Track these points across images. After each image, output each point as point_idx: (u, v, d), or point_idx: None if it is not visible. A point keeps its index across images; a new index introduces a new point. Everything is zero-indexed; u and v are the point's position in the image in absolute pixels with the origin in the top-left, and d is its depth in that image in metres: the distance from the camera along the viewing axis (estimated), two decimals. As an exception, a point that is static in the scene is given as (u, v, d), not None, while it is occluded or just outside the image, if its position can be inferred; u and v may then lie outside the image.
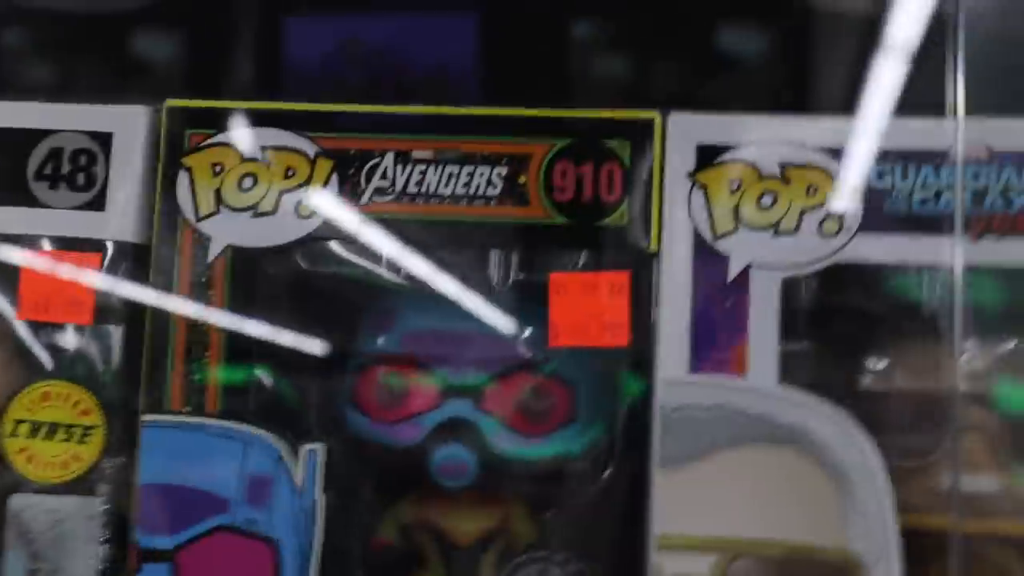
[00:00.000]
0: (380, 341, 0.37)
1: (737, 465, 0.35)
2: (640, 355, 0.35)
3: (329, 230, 0.36)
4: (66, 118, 0.37)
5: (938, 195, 0.34)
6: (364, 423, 0.37)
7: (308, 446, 0.35)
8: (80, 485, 0.35)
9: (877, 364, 0.36)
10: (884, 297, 0.37)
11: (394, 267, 0.38)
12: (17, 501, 0.36)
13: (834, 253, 0.35)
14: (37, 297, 0.35)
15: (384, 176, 0.36)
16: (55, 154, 0.36)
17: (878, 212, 0.35)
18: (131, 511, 0.35)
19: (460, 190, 0.35)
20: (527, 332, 0.37)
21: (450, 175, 0.36)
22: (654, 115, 0.35)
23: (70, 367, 0.36)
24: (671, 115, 0.36)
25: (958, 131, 0.34)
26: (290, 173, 0.36)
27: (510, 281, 0.37)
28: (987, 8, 0.35)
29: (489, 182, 0.36)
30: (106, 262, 0.36)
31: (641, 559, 0.34)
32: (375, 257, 0.38)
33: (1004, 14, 0.37)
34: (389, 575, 0.37)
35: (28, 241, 0.36)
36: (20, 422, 0.36)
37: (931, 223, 0.34)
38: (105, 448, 0.36)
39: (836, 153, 0.36)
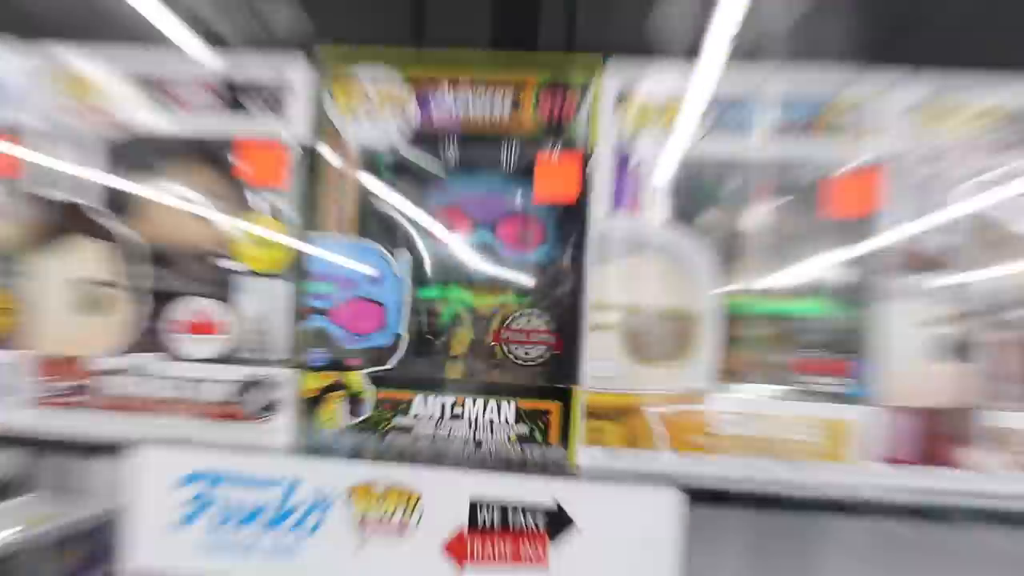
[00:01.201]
0: (439, 199, 0.66)
1: (634, 264, 0.64)
2: (583, 205, 0.63)
3: (413, 136, 0.64)
4: (262, 66, 0.65)
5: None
6: (429, 241, 0.66)
7: (400, 252, 0.65)
8: (278, 272, 0.65)
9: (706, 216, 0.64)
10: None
11: (453, 158, 0.66)
12: (244, 283, 0.65)
13: (690, 149, 0.63)
14: (257, 166, 0.63)
15: (445, 101, 0.64)
16: (258, 87, 0.64)
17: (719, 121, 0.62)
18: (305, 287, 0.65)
19: (485, 108, 0.63)
20: (522, 191, 0.65)
21: (480, 100, 0.63)
22: (597, 57, 0.62)
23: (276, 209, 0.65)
24: (608, 63, 0.63)
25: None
26: (391, 101, 0.64)
27: (515, 162, 0.65)
28: None
29: (502, 104, 0.63)
30: (288, 151, 0.64)
31: (582, 314, 0.63)
32: (439, 150, 0.66)
33: None
34: (441, 329, 0.67)
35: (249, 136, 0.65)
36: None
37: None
38: (291, 253, 0.65)
39: (700, 89, 0.63)
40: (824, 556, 0.65)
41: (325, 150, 0.64)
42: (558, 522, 0.60)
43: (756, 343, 0.63)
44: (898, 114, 0.61)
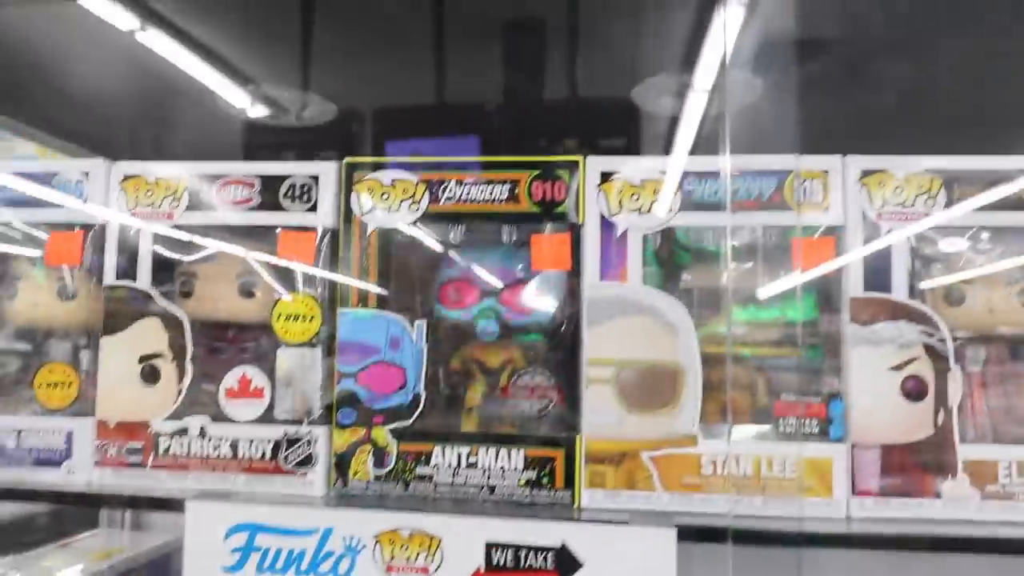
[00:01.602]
0: (450, 272, 0.75)
1: (623, 324, 0.72)
2: (576, 274, 0.72)
3: (424, 218, 0.74)
4: (298, 168, 0.75)
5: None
6: (443, 310, 0.74)
7: (418, 321, 0.73)
8: (311, 342, 0.74)
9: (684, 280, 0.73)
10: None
11: (455, 237, 0.75)
12: (282, 353, 0.74)
13: (666, 222, 0.71)
14: (290, 250, 0.73)
15: (451, 191, 0.73)
16: (292, 185, 0.75)
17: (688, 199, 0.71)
18: (335, 355, 0.74)
19: (486, 196, 0.73)
20: (521, 265, 0.74)
21: (481, 189, 0.73)
22: (579, 157, 0.72)
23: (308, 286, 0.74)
24: (589, 157, 0.73)
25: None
26: (404, 191, 0.74)
27: (513, 240, 0.74)
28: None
29: (500, 192, 0.73)
30: (319, 237, 0.74)
31: (578, 370, 0.71)
32: (448, 232, 0.75)
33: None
34: (457, 386, 0.75)
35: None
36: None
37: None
38: (321, 323, 0.74)
39: (672, 174, 0.72)
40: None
41: (350, 236, 0.74)
42: (567, 562, 0.66)
43: (739, 390, 0.70)
44: (846, 186, 0.70)
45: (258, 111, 0.98)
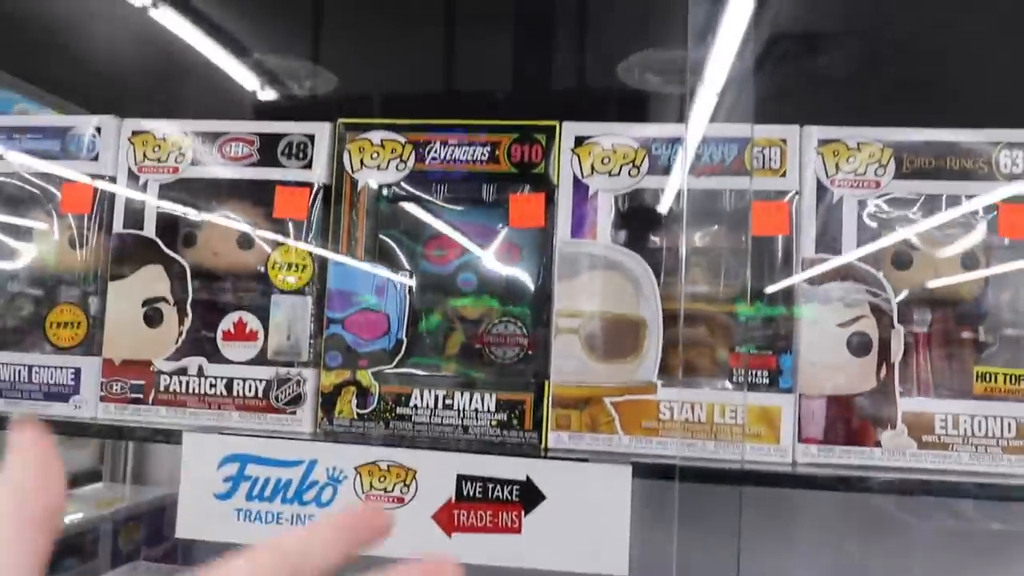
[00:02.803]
0: (433, 228, 0.80)
1: (591, 279, 0.77)
2: (549, 231, 0.77)
3: (410, 177, 0.79)
4: (294, 128, 0.81)
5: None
6: (426, 262, 0.80)
7: (402, 272, 0.79)
8: (303, 290, 0.79)
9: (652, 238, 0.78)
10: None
11: (439, 195, 0.81)
12: (275, 299, 0.80)
13: (635, 184, 0.76)
14: (286, 204, 0.79)
15: (435, 151, 0.79)
16: (290, 143, 0.80)
17: (655, 164, 0.76)
18: (325, 302, 0.79)
19: (468, 156, 0.78)
20: (500, 223, 0.79)
21: (464, 149, 0.78)
22: (555, 122, 0.77)
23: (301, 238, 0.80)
24: (564, 122, 0.78)
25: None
26: (393, 151, 0.79)
27: (492, 199, 0.80)
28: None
29: (482, 153, 0.78)
30: (312, 192, 0.80)
31: (549, 318, 0.77)
32: (432, 190, 0.81)
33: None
34: (437, 334, 0.80)
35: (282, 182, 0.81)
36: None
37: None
38: (313, 274, 0.79)
39: (640, 140, 0.77)
40: (753, 521, 0.75)
41: (342, 192, 0.80)
42: (530, 495, 0.72)
43: (696, 343, 0.75)
44: (802, 154, 0.75)
45: (263, 80, 1.04)
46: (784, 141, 0.76)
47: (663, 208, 0.78)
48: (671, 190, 0.76)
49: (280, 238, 0.80)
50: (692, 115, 0.75)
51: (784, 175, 0.76)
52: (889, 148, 0.75)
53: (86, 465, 1.44)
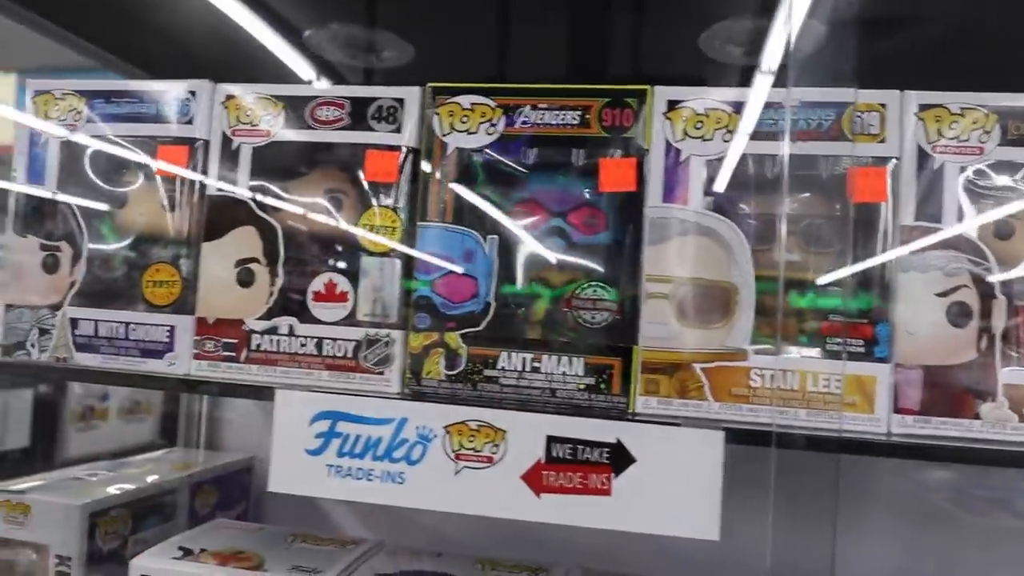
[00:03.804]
0: (521, 193, 0.81)
1: (681, 244, 0.77)
2: (639, 196, 0.77)
3: (502, 138, 0.79)
4: (385, 91, 0.82)
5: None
6: (516, 229, 0.80)
7: (490, 236, 0.79)
8: (392, 252, 0.80)
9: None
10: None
11: (528, 159, 0.81)
12: (365, 261, 0.81)
13: (727, 149, 0.76)
14: (376, 167, 0.80)
15: (526, 115, 0.79)
16: (380, 107, 0.81)
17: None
18: (414, 264, 0.80)
19: (559, 120, 0.78)
20: (588, 188, 0.79)
21: (555, 115, 0.78)
22: (648, 87, 0.77)
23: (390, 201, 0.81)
24: (656, 87, 0.77)
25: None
26: (483, 115, 0.80)
27: (581, 163, 0.79)
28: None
29: (572, 117, 0.78)
30: (402, 155, 0.81)
31: (639, 284, 0.76)
32: (521, 155, 0.81)
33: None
34: (524, 300, 0.80)
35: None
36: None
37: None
38: (402, 236, 0.80)
39: (733, 104, 0.76)
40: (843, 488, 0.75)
41: (431, 155, 0.80)
42: (620, 457, 0.72)
43: (789, 310, 0.75)
44: (903, 119, 0.73)
45: (342, 52, 1.05)
46: (883, 106, 0.74)
47: (755, 173, 0.77)
48: (764, 155, 0.75)
49: (370, 200, 0.81)
50: (791, 78, 0.74)
51: (883, 141, 0.74)
52: (994, 114, 0.73)
53: (156, 430, 1.49)
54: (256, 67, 1.03)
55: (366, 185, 0.81)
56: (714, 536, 0.69)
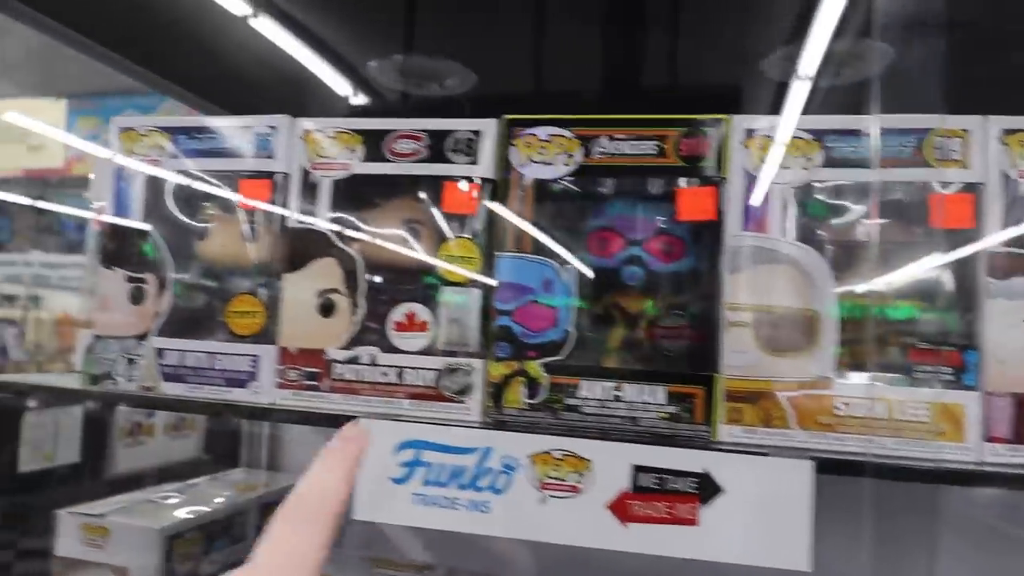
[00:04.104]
0: (598, 221, 0.81)
1: (761, 272, 0.77)
2: (719, 223, 0.77)
3: (579, 172, 0.80)
4: (461, 124, 0.83)
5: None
6: (591, 256, 0.81)
7: (568, 265, 0.80)
8: (471, 282, 0.81)
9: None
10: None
11: (605, 188, 0.82)
12: (444, 291, 0.82)
13: (807, 177, 0.76)
14: (454, 199, 0.81)
15: (603, 146, 0.80)
16: (457, 139, 0.82)
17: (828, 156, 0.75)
18: (493, 293, 0.81)
19: (636, 151, 0.79)
20: (664, 216, 0.80)
21: (632, 144, 0.79)
22: (726, 116, 0.77)
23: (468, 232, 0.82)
24: (735, 116, 0.78)
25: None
26: (560, 146, 0.81)
27: (658, 192, 0.80)
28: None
29: (649, 147, 0.79)
30: (478, 187, 0.82)
31: (717, 314, 0.77)
32: (597, 184, 0.81)
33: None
34: (602, 325, 0.81)
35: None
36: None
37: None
38: (480, 267, 0.81)
39: (813, 132, 0.76)
40: (932, 519, 0.74)
41: (508, 187, 0.81)
42: (708, 487, 0.72)
43: (873, 338, 0.74)
44: (986, 144, 0.73)
45: (404, 83, 1.07)
46: (966, 131, 0.74)
47: (832, 201, 0.77)
48: (844, 182, 0.76)
49: (448, 232, 0.82)
50: (872, 105, 0.74)
51: (966, 167, 0.74)
52: (1080, 137, 0.72)
53: (218, 451, 1.51)
54: (315, 96, 1.06)
55: (444, 216, 0.83)
56: (805, 567, 0.69)
